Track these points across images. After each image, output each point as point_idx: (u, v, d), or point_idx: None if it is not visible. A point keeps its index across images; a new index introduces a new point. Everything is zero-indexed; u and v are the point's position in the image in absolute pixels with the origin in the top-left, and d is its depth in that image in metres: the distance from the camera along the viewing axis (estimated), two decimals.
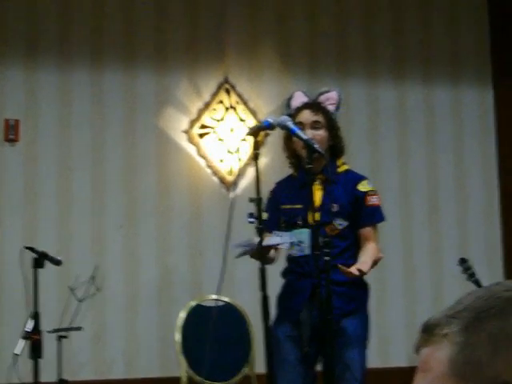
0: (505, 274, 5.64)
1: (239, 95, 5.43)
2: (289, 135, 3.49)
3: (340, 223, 3.50)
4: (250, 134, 3.33)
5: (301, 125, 3.50)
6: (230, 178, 5.31)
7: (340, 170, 3.62)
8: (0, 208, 5.00)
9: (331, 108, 3.63)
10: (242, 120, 5.41)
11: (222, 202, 5.21)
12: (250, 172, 5.21)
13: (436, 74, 5.77)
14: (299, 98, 3.65)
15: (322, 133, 3.55)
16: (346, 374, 3.39)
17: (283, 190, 3.65)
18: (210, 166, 5.33)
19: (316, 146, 3.30)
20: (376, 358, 5.44)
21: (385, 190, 5.59)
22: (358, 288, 3.57)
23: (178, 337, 4.53)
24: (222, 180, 5.33)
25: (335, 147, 3.62)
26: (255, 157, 3.23)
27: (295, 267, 3.53)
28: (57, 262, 4.20)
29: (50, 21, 5.18)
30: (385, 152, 5.61)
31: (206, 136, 5.35)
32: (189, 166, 5.30)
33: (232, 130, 5.38)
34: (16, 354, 3.94)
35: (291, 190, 3.60)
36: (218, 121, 5.39)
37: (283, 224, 3.52)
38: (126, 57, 5.28)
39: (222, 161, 5.35)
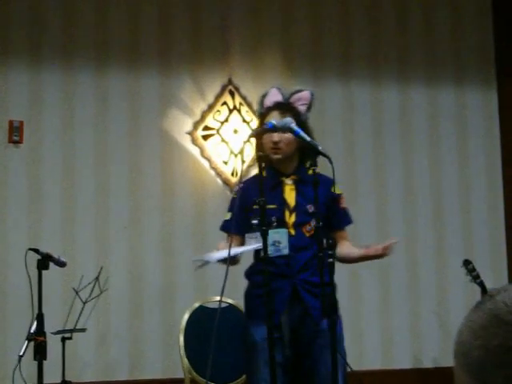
0: (509, 276, 5.63)
1: (243, 97, 5.43)
2: (259, 135, 3.43)
3: (315, 224, 3.45)
4: (253, 135, 3.32)
5: None
6: (233, 180, 5.31)
7: (310, 171, 3.45)
8: (4, 209, 5.00)
9: (302, 108, 3.55)
10: (245, 122, 5.41)
11: (225, 203, 5.20)
12: (254, 174, 5.20)
13: (440, 76, 5.77)
14: (273, 97, 3.58)
15: (288, 136, 3.44)
16: (328, 375, 3.31)
17: (253, 189, 3.43)
18: (213, 168, 5.33)
19: (320, 147, 3.27)
20: (379, 359, 5.44)
21: (389, 191, 5.60)
22: (331, 289, 3.52)
23: (181, 338, 4.53)
24: (225, 181, 5.33)
25: (305, 149, 3.49)
26: (259, 158, 3.23)
27: (269, 267, 3.27)
28: (61, 264, 4.20)
29: (54, 22, 5.19)
30: (389, 154, 5.61)
31: (209, 138, 5.35)
32: (192, 168, 5.30)
33: (236, 132, 5.39)
34: (20, 356, 3.94)
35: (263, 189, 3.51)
36: (222, 122, 5.39)
37: (254, 225, 3.40)
38: (130, 58, 5.29)
39: (225, 162, 5.35)
